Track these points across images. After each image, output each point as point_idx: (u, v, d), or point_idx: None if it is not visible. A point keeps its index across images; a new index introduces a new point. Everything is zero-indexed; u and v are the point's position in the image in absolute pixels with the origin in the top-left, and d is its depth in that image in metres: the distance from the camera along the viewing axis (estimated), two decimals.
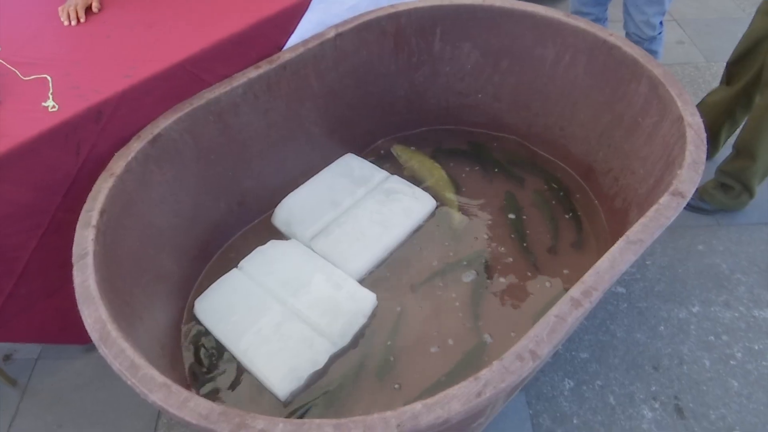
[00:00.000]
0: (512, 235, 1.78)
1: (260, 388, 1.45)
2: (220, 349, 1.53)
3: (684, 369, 1.62)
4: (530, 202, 1.88)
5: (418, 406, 0.90)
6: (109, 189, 1.28)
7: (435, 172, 1.97)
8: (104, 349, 1.00)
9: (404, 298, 1.63)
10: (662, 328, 1.71)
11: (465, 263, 1.71)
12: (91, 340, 1.03)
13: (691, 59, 2.72)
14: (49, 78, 1.40)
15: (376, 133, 2.10)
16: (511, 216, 1.83)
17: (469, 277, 1.67)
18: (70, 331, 1.52)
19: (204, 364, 1.50)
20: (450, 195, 1.91)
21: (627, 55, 1.59)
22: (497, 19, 1.79)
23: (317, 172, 1.93)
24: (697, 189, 1.26)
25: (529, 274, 1.68)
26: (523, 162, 2.01)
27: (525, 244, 1.75)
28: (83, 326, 1.06)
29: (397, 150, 2.05)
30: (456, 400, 0.91)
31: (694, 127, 1.36)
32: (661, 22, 2.01)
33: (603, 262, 1.13)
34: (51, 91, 1.37)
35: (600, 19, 2.17)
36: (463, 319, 1.58)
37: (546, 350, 0.99)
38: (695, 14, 3.04)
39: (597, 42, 1.65)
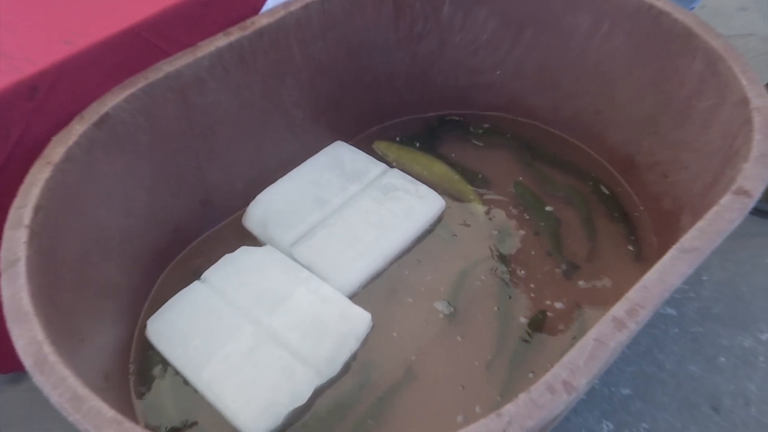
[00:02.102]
0: (536, 237, 1.80)
1: (228, 429, 1.44)
2: (177, 381, 1.52)
3: (751, 411, 1.63)
4: (562, 201, 1.89)
5: None
6: (46, 181, 1.27)
7: (434, 168, 1.97)
8: (40, 377, 0.99)
9: (405, 321, 1.64)
10: (722, 359, 1.72)
11: (483, 277, 1.71)
12: (14, 368, 1.02)
13: (756, 29, 2.74)
14: None
15: (372, 118, 2.11)
16: (549, 209, 1.85)
17: (485, 295, 1.67)
18: None
19: (157, 399, 1.50)
20: (463, 188, 1.92)
21: (678, 24, 1.60)
22: None
23: (299, 164, 1.93)
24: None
25: (561, 288, 1.69)
26: (549, 153, 2.03)
27: (555, 251, 1.76)
28: (6, 351, 1.05)
29: (381, 147, 2.04)
30: None
31: (763, 111, 1.36)
32: None
33: (651, 274, 1.13)
34: None
35: None
36: (480, 363, 1.55)
37: (583, 381, 0.99)
38: None
39: (641, 7, 1.66)
